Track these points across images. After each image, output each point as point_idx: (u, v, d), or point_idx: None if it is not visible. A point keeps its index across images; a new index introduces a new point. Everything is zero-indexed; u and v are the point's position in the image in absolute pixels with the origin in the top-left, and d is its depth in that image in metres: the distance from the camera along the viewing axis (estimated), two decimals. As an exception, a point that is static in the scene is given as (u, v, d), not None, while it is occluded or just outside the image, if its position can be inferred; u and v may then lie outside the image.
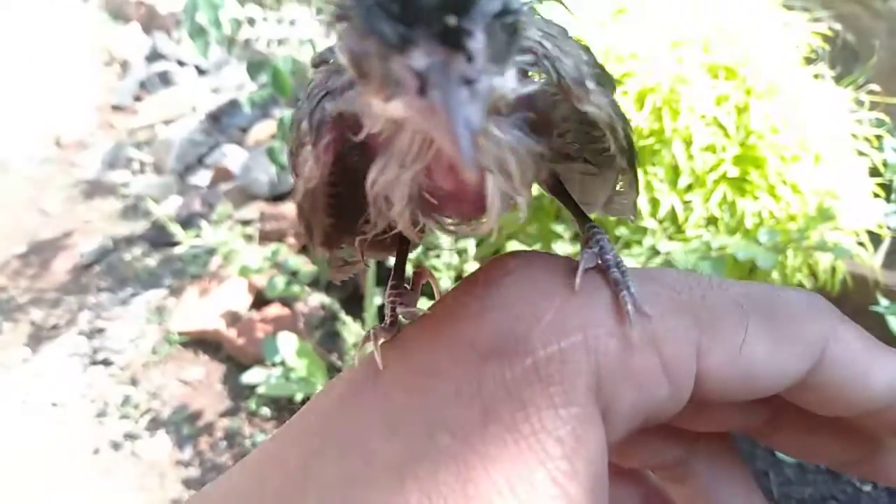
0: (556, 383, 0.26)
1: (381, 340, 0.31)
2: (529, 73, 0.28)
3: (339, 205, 0.31)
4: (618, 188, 0.36)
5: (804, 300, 0.31)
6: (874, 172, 1.67)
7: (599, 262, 0.30)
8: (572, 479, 0.25)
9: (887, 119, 1.82)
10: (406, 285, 0.35)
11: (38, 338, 2.70)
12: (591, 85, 0.29)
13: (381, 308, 0.32)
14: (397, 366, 0.29)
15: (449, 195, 0.27)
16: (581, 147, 0.31)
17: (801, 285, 1.59)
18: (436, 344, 0.29)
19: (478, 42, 0.21)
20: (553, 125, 0.29)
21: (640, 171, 1.54)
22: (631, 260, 1.48)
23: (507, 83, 0.23)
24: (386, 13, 0.20)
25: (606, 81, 0.31)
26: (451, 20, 0.20)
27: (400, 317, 0.32)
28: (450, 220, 0.30)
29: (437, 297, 0.33)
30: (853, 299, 1.72)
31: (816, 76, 1.69)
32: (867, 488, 1.57)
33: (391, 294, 0.34)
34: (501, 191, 0.26)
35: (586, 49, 0.31)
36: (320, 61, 0.31)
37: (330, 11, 0.24)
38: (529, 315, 0.27)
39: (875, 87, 1.84)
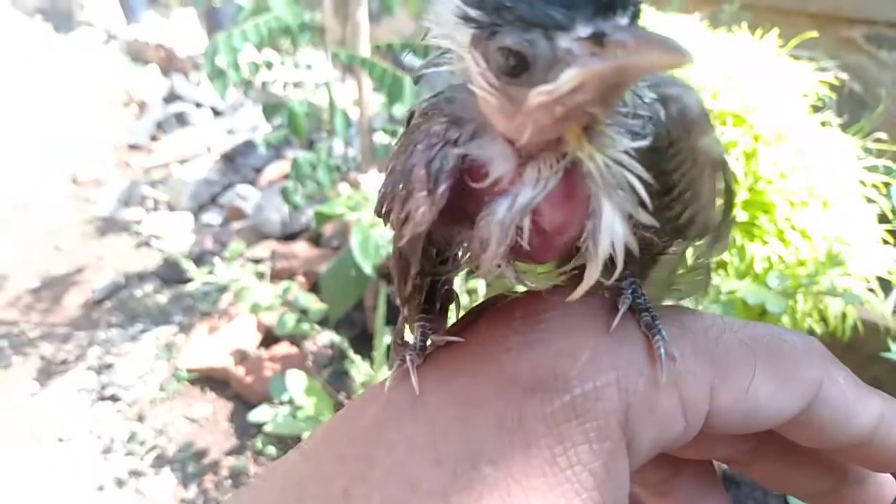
0: (591, 420, 0.28)
1: (417, 364, 0.32)
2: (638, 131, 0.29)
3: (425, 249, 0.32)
4: (687, 265, 0.36)
5: (803, 343, 0.33)
6: (883, 219, 1.68)
7: (632, 305, 0.31)
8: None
9: (895, 167, 1.84)
10: (434, 312, 0.36)
11: (47, 372, 2.71)
12: (709, 122, 0.30)
13: (404, 341, 0.32)
14: (438, 394, 0.30)
15: (543, 239, 0.29)
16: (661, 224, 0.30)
17: (811, 330, 1.58)
18: (478, 375, 0.30)
19: (633, 10, 0.24)
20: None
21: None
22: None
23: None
24: (546, 5, 0.23)
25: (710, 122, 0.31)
26: None
27: (431, 340, 0.33)
28: (524, 268, 0.31)
29: (456, 315, 0.35)
30: (864, 346, 1.71)
31: (824, 124, 1.71)
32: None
33: (421, 319, 0.34)
34: (611, 223, 0.27)
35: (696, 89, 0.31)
36: (414, 113, 0.32)
37: (475, 26, 0.25)
38: (568, 353, 0.29)
39: (882, 135, 1.86)
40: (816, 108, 1.74)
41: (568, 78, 0.24)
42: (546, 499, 0.26)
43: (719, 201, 0.33)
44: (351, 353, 1.98)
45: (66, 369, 2.72)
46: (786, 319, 1.54)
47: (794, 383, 0.31)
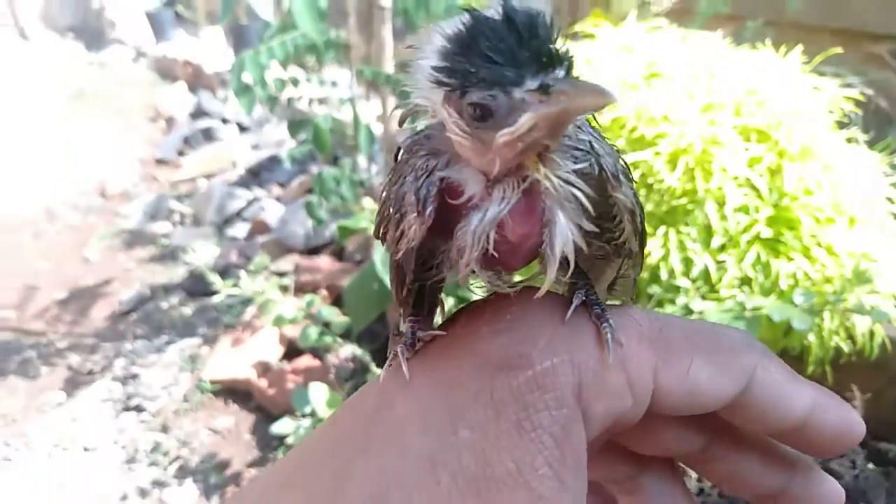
0: (549, 391, 0.33)
1: (407, 356, 0.38)
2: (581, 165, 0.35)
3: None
4: (622, 272, 0.44)
5: (740, 337, 0.38)
6: (911, 236, 1.66)
7: (584, 300, 0.37)
8: (561, 463, 0.32)
9: (923, 183, 1.82)
10: (423, 313, 0.43)
11: (74, 382, 2.75)
12: (622, 178, 0.37)
13: (399, 332, 0.39)
14: (424, 377, 0.36)
15: (510, 247, 0.35)
16: (600, 233, 0.38)
17: (838, 349, 1.56)
18: (456, 360, 0.36)
19: (568, 65, 0.31)
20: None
21: (672, 232, 1.55)
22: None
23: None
24: (502, 68, 0.30)
25: (630, 176, 0.39)
26: (551, 52, 0.31)
27: (420, 337, 0.39)
28: (492, 273, 0.37)
29: (442, 317, 0.42)
30: (893, 364, 1.69)
31: (850, 140, 1.70)
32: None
33: (411, 320, 0.41)
34: (564, 230, 0.33)
35: (617, 150, 0.38)
36: (400, 149, 0.38)
37: (447, 88, 0.32)
38: (530, 339, 0.35)
39: (909, 151, 1.84)
40: (842, 125, 1.73)
41: (524, 121, 0.31)
42: (513, 455, 0.32)
43: (634, 238, 0.40)
44: (373, 366, 1.99)
45: (92, 380, 2.76)
46: (812, 337, 1.53)
47: (730, 369, 0.36)
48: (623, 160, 0.38)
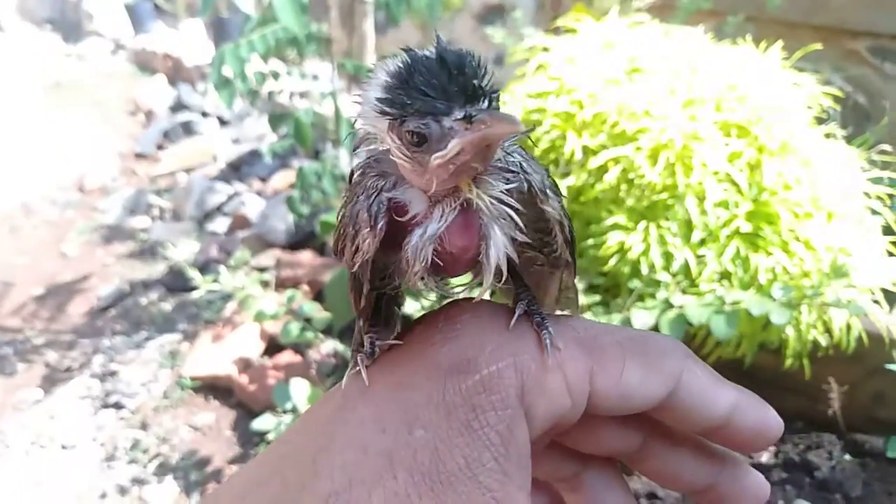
0: (495, 393, 0.36)
1: (367, 364, 0.41)
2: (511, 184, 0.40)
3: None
4: (563, 285, 0.48)
5: (668, 343, 0.42)
6: (887, 231, 1.68)
7: (526, 310, 0.41)
8: (507, 458, 0.35)
9: (900, 179, 1.84)
10: (380, 324, 0.46)
11: (51, 379, 2.72)
12: (549, 193, 0.42)
13: (353, 346, 0.43)
14: (382, 382, 0.39)
15: (452, 258, 0.39)
16: (537, 246, 0.43)
17: (815, 342, 1.58)
18: (411, 366, 0.39)
19: (491, 98, 0.36)
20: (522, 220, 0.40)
21: (653, 227, 1.55)
22: (644, 312, 1.49)
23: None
24: (434, 101, 0.35)
25: (557, 191, 0.43)
26: (475, 87, 0.35)
27: (377, 347, 0.42)
28: (439, 280, 0.42)
29: (397, 328, 0.46)
30: (869, 357, 1.71)
31: (828, 135, 1.72)
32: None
33: (370, 330, 0.44)
34: (498, 242, 0.38)
35: (546, 168, 0.43)
36: (353, 172, 0.42)
37: (389, 117, 0.37)
38: (478, 345, 0.38)
39: (887, 147, 1.86)
40: (821, 120, 1.75)
41: (452, 146, 0.35)
42: (463, 452, 0.35)
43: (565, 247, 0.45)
44: (355, 362, 1.97)
45: (70, 377, 2.72)
46: (790, 331, 1.54)
47: (659, 373, 0.40)
48: (550, 177, 0.43)
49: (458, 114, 0.35)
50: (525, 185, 0.40)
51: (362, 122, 0.39)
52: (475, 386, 0.36)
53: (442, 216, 0.38)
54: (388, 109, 0.36)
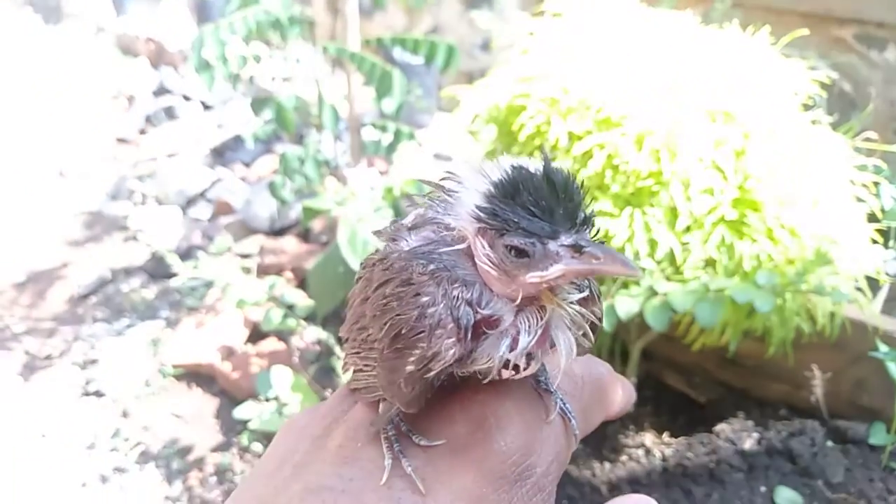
0: (545, 488, 0.42)
1: (412, 467, 0.41)
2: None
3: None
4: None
5: (609, 374, 0.53)
6: (872, 218, 1.68)
7: (561, 405, 0.46)
8: None
9: (885, 166, 1.83)
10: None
11: (31, 367, 2.68)
12: (597, 298, 0.44)
13: (392, 431, 0.44)
14: (444, 490, 0.40)
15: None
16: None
17: (799, 329, 1.58)
18: (476, 476, 0.41)
19: (593, 226, 0.38)
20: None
21: (638, 213, 1.54)
22: (629, 300, 1.48)
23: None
24: (541, 222, 0.36)
25: (600, 295, 0.46)
26: (582, 215, 0.37)
27: (420, 443, 0.43)
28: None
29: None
30: (852, 345, 1.72)
31: (814, 122, 1.71)
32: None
33: (406, 422, 0.44)
34: (570, 346, 0.41)
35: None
36: (416, 265, 0.41)
37: (489, 228, 0.38)
38: (531, 447, 0.42)
39: (872, 134, 1.85)
40: (807, 107, 1.74)
41: (556, 270, 0.37)
42: None
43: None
44: (338, 350, 1.96)
45: (50, 364, 2.69)
46: (774, 318, 1.54)
47: (607, 406, 0.52)
48: (595, 282, 0.45)
49: (566, 240, 0.37)
50: (590, 291, 0.42)
51: (450, 218, 0.40)
52: (532, 489, 0.41)
53: (530, 329, 0.40)
54: (489, 220, 0.37)
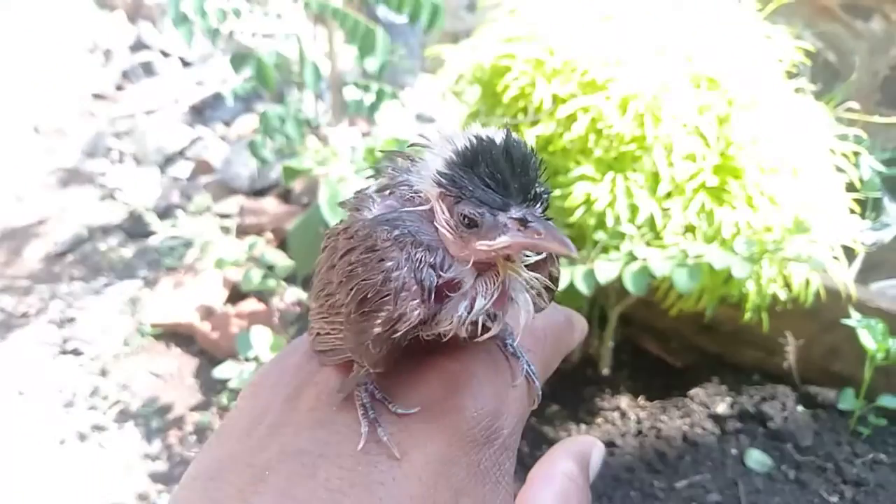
0: (510, 447, 0.44)
1: (389, 432, 0.42)
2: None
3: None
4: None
5: (566, 317, 0.56)
6: (851, 188, 1.69)
7: (526, 368, 0.48)
8: (510, 486, 0.44)
9: (865, 136, 1.84)
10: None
11: (7, 325, 2.65)
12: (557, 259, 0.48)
13: (365, 395, 0.44)
14: (419, 454, 0.41)
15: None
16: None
17: (775, 296, 1.60)
18: (448, 440, 0.42)
19: (544, 202, 0.39)
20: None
21: (620, 178, 1.54)
22: (608, 264, 1.48)
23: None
24: (493, 194, 0.38)
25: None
26: (534, 191, 0.39)
27: (395, 412, 0.44)
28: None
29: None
30: (825, 312, 1.74)
31: (798, 91, 1.71)
32: (834, 499, 1.58)
33: (379, 384, 0.45)
34: (528, 307, 0.43)
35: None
36: (381, 230, 0.42)
37: (447, 193, 0.39)
38: (499, 411, 0.44)
39: (854, 104, 1.86)
40: (791, 75, 1.74)
41: (500, 241, 0.39)
42: (494, 502, 0.42)
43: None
44: (318, 311, 1.96)
45: (26, 322, 2.66)
46: (751, 285, 1.56)
47: (565, 351, 0.55)
48: None
49: (515, 212, 0.38)
50: (546, 253, 0.44)
51: (414, 180, 0.42)
52: (500, 449, 0.43)
53: (487, 292, 0.41)
54: (447, 185, 0.39)
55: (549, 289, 0.45)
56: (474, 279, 0.42)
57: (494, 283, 0.42)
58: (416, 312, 0.40)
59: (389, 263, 0.40)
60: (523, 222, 0.38)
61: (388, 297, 0.40)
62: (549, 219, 0.39)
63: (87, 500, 2.02)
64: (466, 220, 0.39)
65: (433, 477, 0.40)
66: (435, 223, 0.41)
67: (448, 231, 0.40)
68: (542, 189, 0.39)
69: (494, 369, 0.46)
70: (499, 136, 0.39)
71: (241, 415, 0.46)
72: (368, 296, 0.41)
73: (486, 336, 0.42)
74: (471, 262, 0.41)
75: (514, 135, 0.39)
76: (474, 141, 0.39)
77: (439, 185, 0.40)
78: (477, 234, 0.39)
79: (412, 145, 0.43)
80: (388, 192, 0.43)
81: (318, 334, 0.48)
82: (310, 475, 0.39)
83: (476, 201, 0.38)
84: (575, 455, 0.51)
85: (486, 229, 0.39)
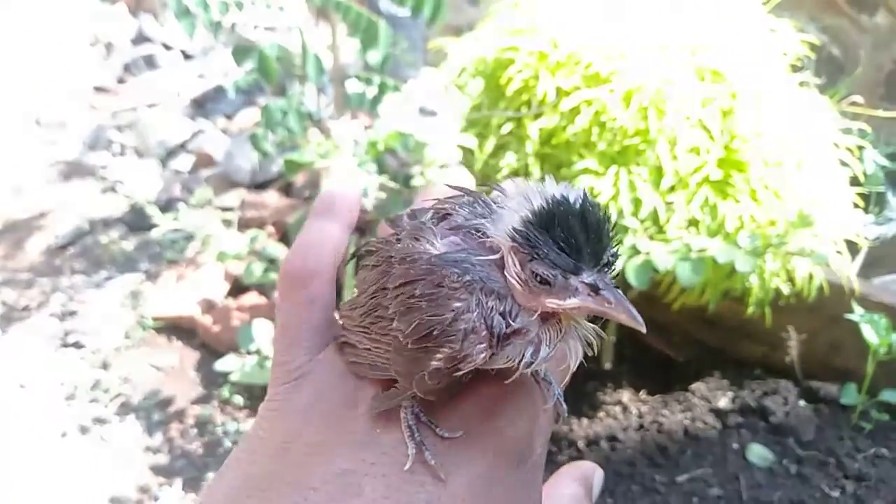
0: (540, 467, 0.47)
1: (433, 459, 0.43)
2: None
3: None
4: None
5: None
6: (855, 182, 1.69)
7: (553, 392, 0.49)
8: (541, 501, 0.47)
9: (869, 130, 1.84)
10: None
11: (8, 318, 2.65)
12: None
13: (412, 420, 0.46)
14: (462, 476, 0.43)
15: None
16: None
17: (778, 290, 1.60)
18: (492, 462, 0.44)
19: (614, 269, 0.41)
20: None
21: (623, 172, 1.54)
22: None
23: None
24: (568, 259, 0.40)
25: None
26: (606, 258, 0.40)
27: (442, 436, 0.45)
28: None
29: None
30: (828, 306, 1.74)
31: (802, 84, 1.70)
32: (835, 494, 1.58)
33: (425, 412, 0.46)
34: (580, 355, 0.44)
35: None
36: (452, 271, 0.43)
37: (521, 250, 0.40)
38: (530, 432, 0.46)
39: (858, 98, 1.85)
40: (795, 69, 1.73)
41: (572, 303, 0.40)
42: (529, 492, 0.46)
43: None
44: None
45: (28, 315, 2.66)
46: (754, 279, 1.55)
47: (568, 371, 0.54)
48: None
49: (586, 278, 0.40)
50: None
51: (484, 224, 0.42)
52: (532, 468, 0.46)
53: (551, 341, 0.43)
54: (521, 243, 0.40)
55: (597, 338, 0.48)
56: (538, 327, 0.43)
57: (558, 333, 0.43)
58: (483, 356, 0.41)
59: (459, 304, 0.41)
60: (595, 289, 0.40)
61: (454, 337, 0.41)
62: (617, 287, 0.41)
63: (88, 493, 2.02)
64: (539, 278, 0.40)
65: (474, 498, 0.42)
66: (505, 272, 0.42)
67: (518, 283, 0.42)
68: (613, 255, 0.41)
69: (527, 393, 0.48)
70: (575, 198, 0.40)
71: (270, 434, 0.46)
72: (434, 332, 0.42)
73: (529, 370, 0.44)
74: (538, 314, 0.42)
75: (590, 197, 0.41)
76: (551, 202, 0.40)
77: (514, 240, 0.41)
78: (548, 292, 0.41)
79: (489, 191, 0.45)
80: (450, 227, 0.44)
81: (354, 346, 0.48)
82: (355, 494, 0.41)
83: (551, 263, 0.40)
84: (579, 479, 0.54)
85: (557, 289, 0.40)
